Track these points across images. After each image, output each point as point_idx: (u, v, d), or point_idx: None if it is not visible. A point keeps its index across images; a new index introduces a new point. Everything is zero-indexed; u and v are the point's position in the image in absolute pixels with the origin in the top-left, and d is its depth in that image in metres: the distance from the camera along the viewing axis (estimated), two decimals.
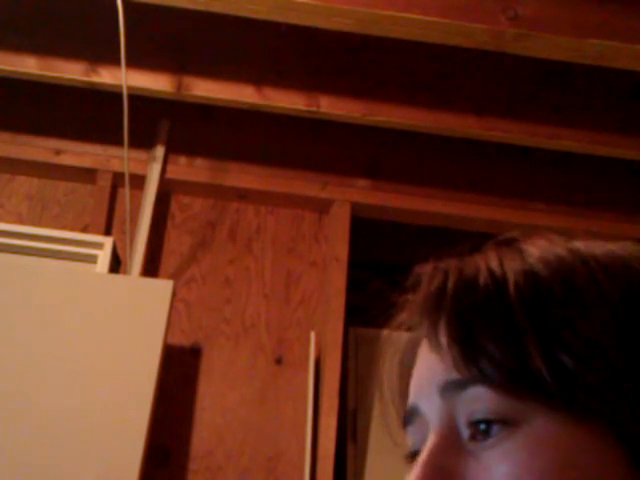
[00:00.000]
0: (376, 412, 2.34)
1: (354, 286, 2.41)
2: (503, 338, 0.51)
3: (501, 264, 0.55)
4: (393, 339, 0.61)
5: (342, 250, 2.38)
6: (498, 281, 0.53)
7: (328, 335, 2.29)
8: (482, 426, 0.51)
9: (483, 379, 0.51)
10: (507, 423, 0.50)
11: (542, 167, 2.50)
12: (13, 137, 2.39)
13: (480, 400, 0.51)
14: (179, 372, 2.27)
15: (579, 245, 0.56)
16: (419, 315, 0.57)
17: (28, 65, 2.17)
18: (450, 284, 0.55)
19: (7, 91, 2.38)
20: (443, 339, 0.54)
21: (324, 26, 1.95)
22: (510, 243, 0.58)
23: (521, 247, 0.57)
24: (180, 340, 2.30)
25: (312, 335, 2.32)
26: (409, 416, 0.58)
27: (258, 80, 2.21)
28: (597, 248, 0.56)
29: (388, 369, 0.62)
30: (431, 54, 2.25)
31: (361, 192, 2.44)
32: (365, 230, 2.53)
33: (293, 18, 1.91)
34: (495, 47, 1.93)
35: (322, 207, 2.46)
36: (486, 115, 2.23)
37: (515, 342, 0.51)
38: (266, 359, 2.32)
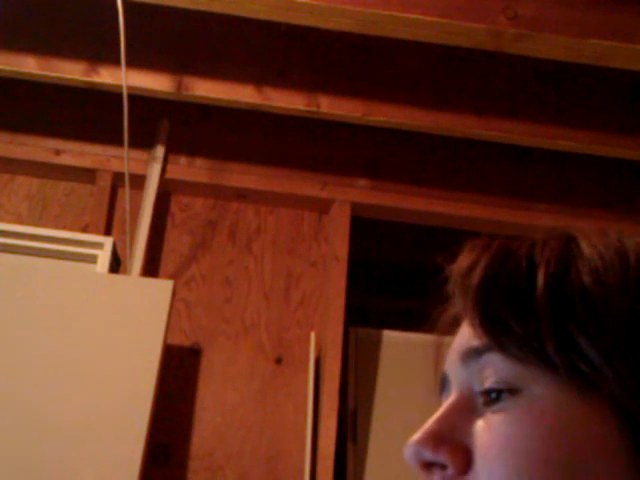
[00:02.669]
0: (376, 412, 2.34)
1: (354, 286, 2.41)
2: (521, 311, 0.54)
3: (543, 245, 0.57)
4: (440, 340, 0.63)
5: (342, 250, 2.38)
6: (532, 260, 0.56)
7: (328, 335, 2.29)
8: (493, 395, 0.54)
9: (497, 347, 0.54)
10: (515, 391, 0.53)
11: (542, 167, 2.50)
12: (13, 137, 2.39)
13: (493, 366, 0.54)
14: (179, 372, 2.27)
15: (631, 241, 0.58)
16: (453, 285, 0.59)
17: (28, 65, 2.17)
18: (486, 257, 0.57)
19: (7, 91, 2.38)
20: (469, 307, 0.56)
21: (324, 26, 1.95)
22: (564, 232, 0.59)
23: (572, 235, 0.58)
24: (180, 340, 2.30)
25: (312, 335, 2.32)
26: (441, 384, 0.60)
27: (258, 80, 2.21)
28: None
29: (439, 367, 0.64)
30: (431, 54, 2.25)
31: (361, 192, 2.44)
32: (365, 230, 2.54)
33: (293, 18, 1.91)
34: (495, 47, 1.93)
35: (322, 207, 2.46)
36: (486, 115, 2.23)
37: (532, 315, 0.53)
38: (266, 359, 2.32)
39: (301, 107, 2.22)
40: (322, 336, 2.32)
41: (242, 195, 2.44)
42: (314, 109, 2.22)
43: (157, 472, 2.16)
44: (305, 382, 2.29)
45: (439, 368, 0.62)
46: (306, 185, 2.43)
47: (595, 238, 0.58)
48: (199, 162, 2.43)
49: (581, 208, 2.49)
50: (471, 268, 0.57)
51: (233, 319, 2.35)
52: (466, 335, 0.57)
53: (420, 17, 1.84)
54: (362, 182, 2.45)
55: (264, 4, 1.86)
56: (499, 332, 0.54)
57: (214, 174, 2.41)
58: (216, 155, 2.43)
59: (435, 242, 2.77)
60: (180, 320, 2.32)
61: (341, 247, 2.38)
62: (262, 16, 1.93)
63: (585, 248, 0.56)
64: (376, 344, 2.43)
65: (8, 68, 2.17)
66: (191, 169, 2.41)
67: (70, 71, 2.18)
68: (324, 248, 2.44)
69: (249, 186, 2.41)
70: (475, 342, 0.56)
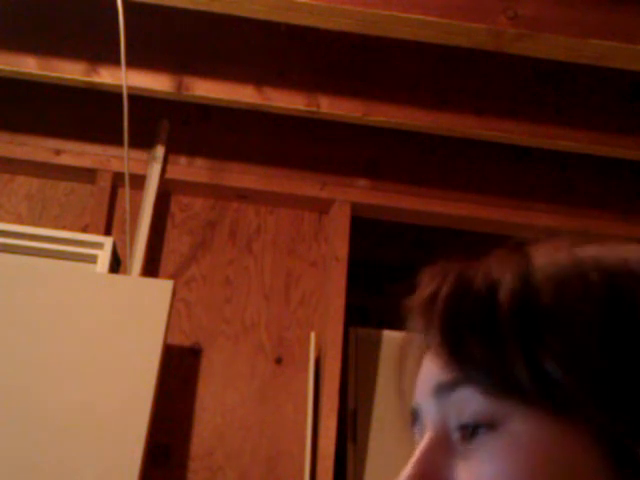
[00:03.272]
0: (376, 412, 2.34)
1: (354, 286, 2.41)
2: (488, 340, 0.52)
3: (500, 268, 0.55)
4: (408, 339, 0.62)
5: (342, 250, 2.38)
6: (491, 285, 0.54)
7: (328, 335, 2.29)
8: (469, 429, 0.53)
9: (469, 381, 0.53)
10: (491, 425, 0.52)
11: (542, 167, 2.50)
12: (13, 137, 2.39)
13: (467, 402, 0.53)
14: (179, 372, 2.27)
15: (586, 250, 0.57)
16: (416, 317, 0.58)
17: (28, 65, 2.17)
18: (445, 287, 0.56)
19: (7, 91, 2.38)
20: (435, 341, 0.55)
21: (324, 26, 1.95)
22: (517, 248, 0.58)
23: (527, 252, 0.57)
24: (180, 340, 2.30)
25: (312, 335, 2.32)
26: (412, 417, 0.59)
27: (258, 80, 2.21)
28: (604, 254, 0.56)
29: (403, 368, 0.63)
30: (431, 54, 2.25)
31: (361, 192, 2.44)
32: (365, 230, 2.54)
33: (293, 18, 1.91)
34: (495, 47, 1.93)
35: (322, 207, 2.46)
36: (486, 115, 2.23)
37: (499, 344, 0.52)
38: (266, 359, 2.32)
39: (301, 107, 2.22)
40: (322, 336, 2.32)
41: (242, 195, 2.44)
42: (314, 109, 2.22)
43: (157, 472, 2.16)
44: (305, 382, 2.29)
45: (403, 369, 0.61)
46: (306, 185, 2.43)
47: (549, 253, 0.56)
48: (199, 162, 2.43)
49: (581, 208, 2.49)
50: (432, 301, 0.56)
51: (233, 319, 2.35)
52: (434, 368, 0.56)
53: (420, 17, 1.84)
54: (362, 182, 2.45)
55: (264, 4, 1.86)
56: (469, 366, 0.53)
57: (214, 174, 2.41)
58: (216, 155, 2.43)
59: (435, 242, 2.77)
60: (180, 320, 2.32)
61: (341, 247, 2.38)
62: (262, 16, 1.93)
63: (541, 267, 0.55)
64: (376, 344, 2.43)
65: (8, 68, 2.17)
66: (191, 169, 2.42)
67: (70, 71, 2.18)
68: (324, 248, 2.44)
69: (249, 186, 2.41)
70: (445, 377, 0.54)
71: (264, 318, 2.36)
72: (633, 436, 0.50)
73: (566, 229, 2.44)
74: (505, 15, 1.84)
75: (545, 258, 0.56)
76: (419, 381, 0.58)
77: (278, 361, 2.32)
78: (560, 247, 0.57)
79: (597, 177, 2.51)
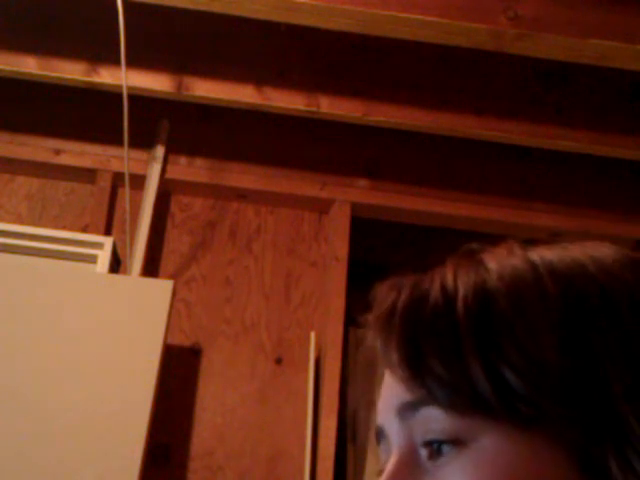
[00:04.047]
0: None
1: (354, 286, 2.41)
2: (448, 356, 0.52)
3: (455, 279, 0.55)
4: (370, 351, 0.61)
5: (342, 250, 2.38)
6: (448, 297, 0.54)
7: (328, 335, 2.29)
8: (435, 446, 0.52)
9: (432, 400, 0.52)
10: (457, 442, 0.51)
11: (542, 167, 2.50)
12: (13, 137, 2.39)
13: (432, 420, 0.52)
14: (179, 372, 2.27)
15: (539, 254, 0.56)
16: (374, 334, 0.57)
17: (28, 65, 2.17)
18: (401, 302, 0.55)
19: (7, 91, 2.38)
20: (394, 359, 0.54)
21: (324, 26, 1.95)
22: (471, 254, 0.57)
23: (480, 259, 0.56)
24: (180, 340, 2.30)
25: (312, 335, 2.32)
26: (378, 435, 0.58)
27: (258, 80, 2.21)
28: (559, 257, 0.55)
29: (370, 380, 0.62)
30: (431, 54, 2.24)
31: (361, 192, 2.44)
32: (365, 230, 2.53)
33: (293, 18, 1.91)
34: (495, 47, 1.92)
35: (322, 207, 2.46)
36: (486, 115, 2.23)
37: (459, 359, 0.51)
38: (266, 359, 2.32)
39: (301, 107, 2.22)
40: (322, 336, 2.32)
41: (242, 195, 2.44)
42: (314, 109, 2.22)
43: (157, 472, 2.16)
44: (305, 382, 2.29)
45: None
46: (306, 185, 2.43)
47: (503, 258, 0.55)
48: (199, 162, 2.43)
49: (581, 208, 2.49)
50: (389, 317, 0.55)
51: (233, 319, 2.35)
52: (396, 387, 0.55)
53: (420, 17, 1.84)
54: (362, 182, 2.45)
55: (264, 4, 1.86)
56: (431, 384, 0.52)
57: (214, 174, 2.41)
58: (216, 155, 2.43)
59: (435, 242, 2.77)
60: (180, 320, 2.32)
61: (341, 247, 2.38)
62: (262, 16, 1.93)
63: (495, 275, 0.54)
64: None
65: (8, 68, 2.17)
66: (191, 169, 2.42)
67: (70, 71, 2.18)
68: (324, 248, 2.44)
69: (249, 186, 2.41)
70: (408, 396, 0.53)
71: (264, 318, 2.36)
72: (600, 445, 0.49)
73: (566, 229, 2.44)
74: (505, 15, 1.84)
75: (499, 264, 0.55)
76: (382, 399, 0.58)
77: (278, 361, 2.32)
78: (512, 251, 0.56)
79: (597, 177, 2.51)
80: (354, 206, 2.43)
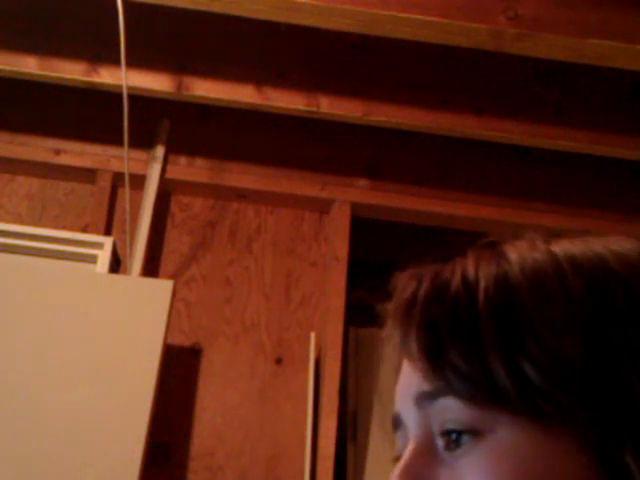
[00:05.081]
0: (376, 412, 2.34)
1: (354, 286, 2.41)
2: (468, 348, 0.51)
3: (476, 270, 0.54)
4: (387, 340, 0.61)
5: (342, 250, 2.38)
6: (469, 288, 0.53)
7: (328, 335, 2.29)
8: (453, 436, 0.52)
9: (450, 390, 0.52)
10: (475, 433, 0.51)
11: (542, 167, 2.50)
12: (13, 137, 2.39)
13: (450, 411, 0.52)
14: (179, 372, 2.27)
15: (561, 247, 0.55)
16: (393, 324, 0.57)
17: (28, 65, 2.17)
18: (422, 292, 0.55)
19: (7, 91, 2.38)
20: (414, 349, 0.54)
21: (324, 26, 1.95)
22: (492, 246, 0.57)
23: (502, 251, 0.56)
24: (180, 340, 2.30)
25: (312, 335, 2.32)
26: (395, 423, 0.58)
27: (258, 80, 2.21)
28: (581, 251, 0.55)
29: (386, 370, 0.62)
30: (431, 54, 2.24)
31: (361, 192, 2.44)
32: (365, 230, 2.53)
33: (293, 18, 1.91)
34: (495, 47, 1.92)
35: (322, 207, 2.46)
36: (486, 115, 2.23)
37: (479, 352, 0.51)
38: (266, 359, 2.32)
39: (301, 107, 2.22)
40: (322, 336, 2.32)
41: (242, 195, 2.44)
42: (314, 109, 2.22)
43: (157, 472, 2.16)
44: (305, 382, 2.29)
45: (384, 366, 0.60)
46: (306, 185, 2.43)
47: (525, 251, 0.55)
48: (199, 162, 2.43)
49: (581, 208, 2.49)
50: (409, 307, 0.54)
51: (233, 319, 2.35)
52: (414, 376, 0.54)
53: (420, 17, 1.84)
54: (362, 182, 2.45)
55: (264, 4, 1.86)
56: (450, 375, 0.52)
57: (214, 174, 2.41)
58: (216, 155, 2.43)
59: (435, 242, 2.77)
60: (180, 320, 2.32)
61: (341, 247, 2.38)
62: (262, 16, 1.93)
63: (518, 267, 0.53)
64: (376, 344, 2.43)
65: (8, 68, 2.17)
66: (191, 169, 2.42)
67: (70, 71, 2.18)
68: (324, 248, 2.44)
69: (249, 186, 2.41)
70: (426, 386, 0.53)
71: (264, 318, 2.36)
72: (619, 443, 0.49)
73: (566, 229, 2.44)
74: (505, 15, 1.84)
75: (521, 257, 0.55)
76: (399, 388, 0.57)
77: (278, 361, 2.32)
78: (534, 244, 0.56)
79: (597, 177, 2.51)
80: (354, 206, 2.43)
